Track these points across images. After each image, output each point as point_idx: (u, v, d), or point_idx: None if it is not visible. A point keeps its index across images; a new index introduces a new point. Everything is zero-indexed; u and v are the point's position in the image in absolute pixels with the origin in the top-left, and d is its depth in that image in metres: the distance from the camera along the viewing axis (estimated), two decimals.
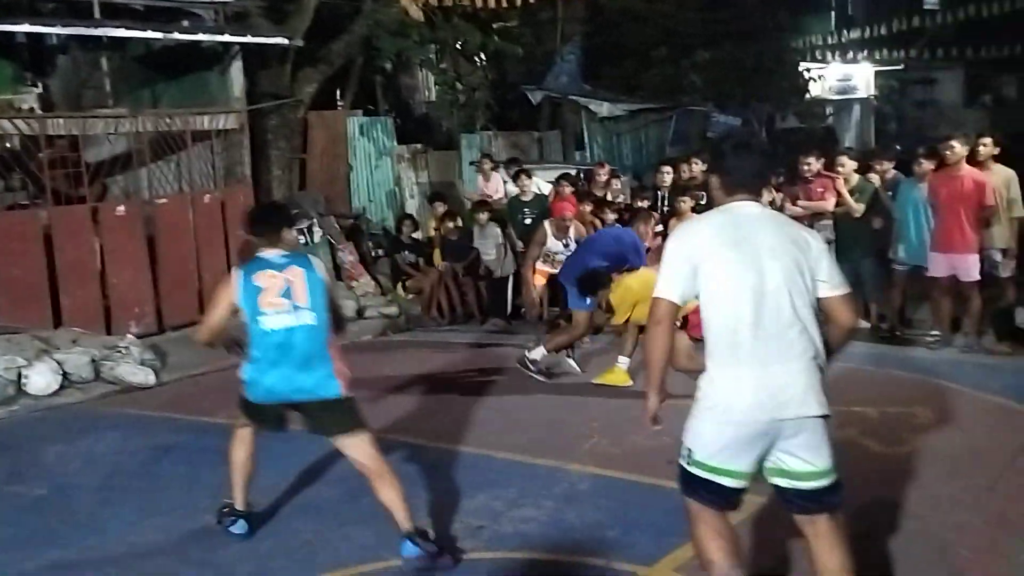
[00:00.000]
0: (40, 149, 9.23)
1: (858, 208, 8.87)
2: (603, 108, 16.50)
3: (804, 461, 3.25)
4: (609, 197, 10.79)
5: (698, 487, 3.32)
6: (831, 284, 3.32)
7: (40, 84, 11.08)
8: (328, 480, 5.57)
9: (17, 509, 5.26)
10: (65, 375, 7.88)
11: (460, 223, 11.02)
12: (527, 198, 10.84)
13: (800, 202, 9.31)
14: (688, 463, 3.33)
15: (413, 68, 15.57)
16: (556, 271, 9.18)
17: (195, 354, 9.23)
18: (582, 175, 12.00)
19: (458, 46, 14.12)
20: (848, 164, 9.10)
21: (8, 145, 9.45)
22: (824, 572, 3.35)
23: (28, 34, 10.22)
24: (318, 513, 5.03)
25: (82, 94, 11.42)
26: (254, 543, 4.65)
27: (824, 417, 3.24)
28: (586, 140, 16.47)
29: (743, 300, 3.21)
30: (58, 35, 10.41)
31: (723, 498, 3.32)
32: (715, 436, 3.25)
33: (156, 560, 4.51)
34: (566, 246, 9.13)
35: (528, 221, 10.54)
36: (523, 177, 10.86)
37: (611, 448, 5.94)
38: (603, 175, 11.24)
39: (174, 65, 11.27)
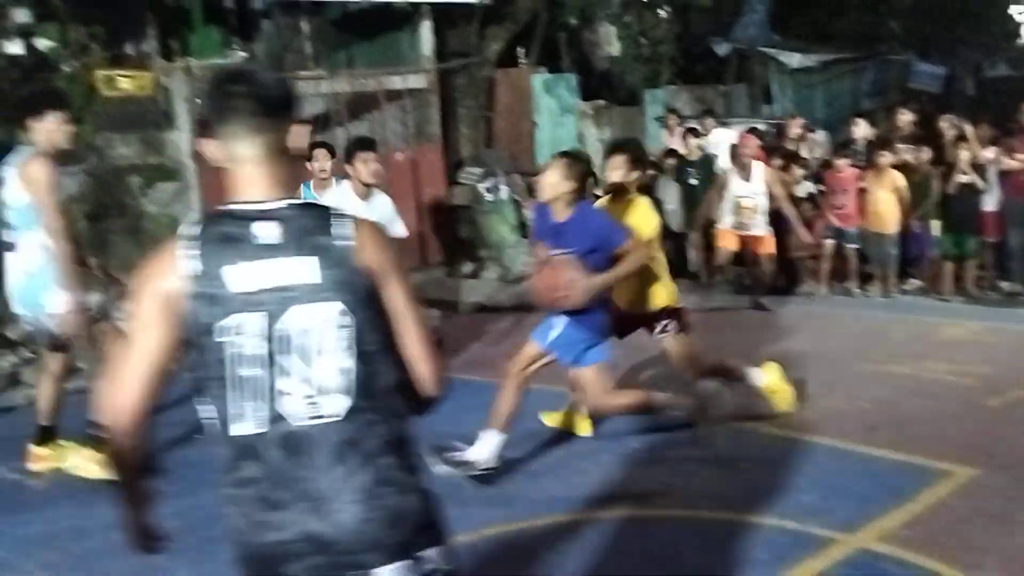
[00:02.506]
0: None
1: None
2: (793, 59, 15.82)
3: None
4: (804, 153, 10.35)
5: None
6: None
7: (245, 49, 11.72)
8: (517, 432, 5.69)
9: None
10: None
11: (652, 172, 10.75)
12: (693, 158, 10.45)
13: (1018, 155, 8.68)
14: None
15: (595, 23, 15.41)
16: (751, 232, 8.81)
17: None
18: (772, 129, 11.58)
19: None
20: None
21: None
22: None
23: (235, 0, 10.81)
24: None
25: (284, 57, 11.98)
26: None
27: None
28: (775, 93, 15.87)
29: None
30: (262, 0, 10.94)
31: None
32: None
33: None
34: (749, 189, 8.56)
35: (693, 182, 10.20)
36: (690, 136, 10.48)
37: (805, 411, 5.79)
38: (796, 129, 10.79)
39: (368, 27, 11.64)
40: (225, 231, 1.90)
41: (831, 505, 4.41)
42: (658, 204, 10.52)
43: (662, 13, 14.65)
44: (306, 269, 1.88)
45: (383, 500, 1.90)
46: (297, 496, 1.87)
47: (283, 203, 1.93)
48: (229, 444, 1.90)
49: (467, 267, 11.14)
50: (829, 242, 9.33)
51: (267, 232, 1.89)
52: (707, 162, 10.34)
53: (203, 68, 10.64)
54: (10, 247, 4.96)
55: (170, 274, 1.88)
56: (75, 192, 8.54)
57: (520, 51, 14.37)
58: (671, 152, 10.99)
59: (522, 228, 11.56)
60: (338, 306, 1.89)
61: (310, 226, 1.92)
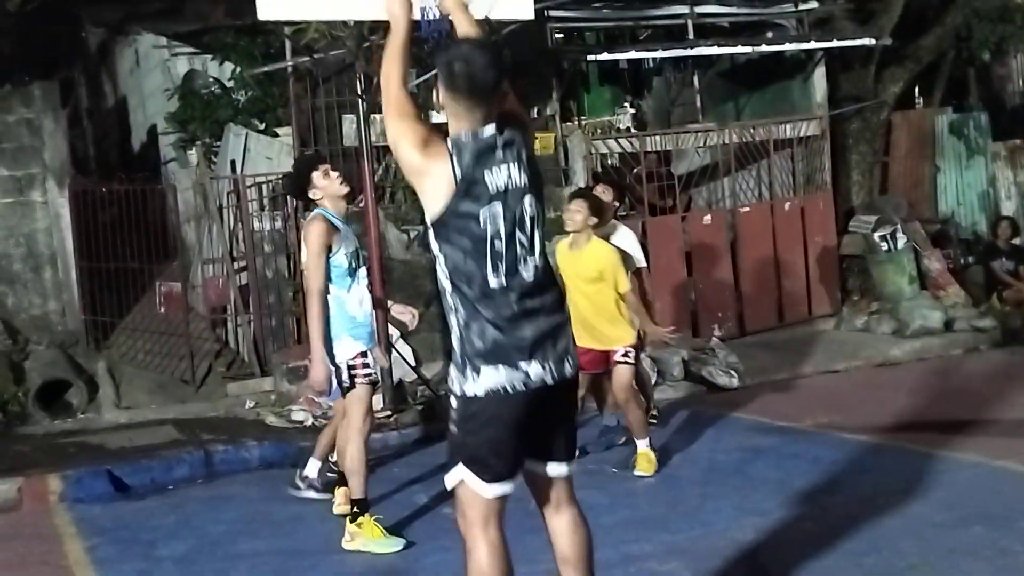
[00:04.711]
0: (638, 164, 10.11)
1: None
2: None
3: None
4: None
5: None
6: None
7: (634, 104, 12.17)
8: (933, 502, 5.25)
9: (630, 494, 5.80)
10: (659, 372, 8.53)
11: None
12: None
13: None
14: None
15: (1006, 56, 14.11)
16: None
17: (774, 360, 9.41)
18: None
19: None
20: None
21: (609, 161, 10.52)
22: None
23: (629, 60, 11.28)
24: (922, 537, 4.75)
25: (671, 111, 12.28)
26: (858, 556, 4.55)
27: None
28: None
29: None
30: (654, 58, 11.31)
31: None
32: None
33: (754, 559, 4.64)
34: None
35: None
36: None
37: None
38: None
39: (756, 77, 11.60)
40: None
41: None
42: None
43: None
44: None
45: (566, 319, 3.21)
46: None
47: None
48: (487, 291, 3.04)
49: (859, 320, 10.56)
50: None
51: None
52: None
53: (595, 125, 11.25)
54: None
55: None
56: None
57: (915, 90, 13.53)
58: None
59: (921, 279, 10.79)
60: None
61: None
